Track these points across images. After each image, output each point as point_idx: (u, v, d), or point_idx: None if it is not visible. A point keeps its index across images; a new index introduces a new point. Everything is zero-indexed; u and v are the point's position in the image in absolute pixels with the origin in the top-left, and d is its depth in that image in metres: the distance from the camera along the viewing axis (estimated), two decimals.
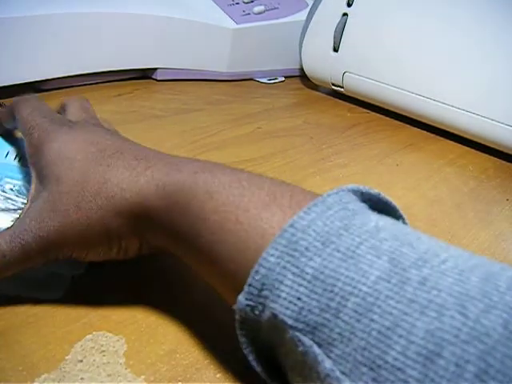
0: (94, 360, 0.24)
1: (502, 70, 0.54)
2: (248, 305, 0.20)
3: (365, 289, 0.18)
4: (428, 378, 0.16)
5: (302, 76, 0.76)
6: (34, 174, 0.29)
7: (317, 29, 0.69)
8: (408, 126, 0.64)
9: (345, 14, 0.65)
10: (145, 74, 0.68)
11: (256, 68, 0.75)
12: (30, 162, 0.29)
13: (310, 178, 0.46)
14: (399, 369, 0.16)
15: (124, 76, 0.66)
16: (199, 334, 0.27)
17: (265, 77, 0.76)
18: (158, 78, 0.68)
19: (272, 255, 0.20)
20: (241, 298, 0.20)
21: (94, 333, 0.26)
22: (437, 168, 0.53)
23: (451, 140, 0.60)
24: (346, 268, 0.19)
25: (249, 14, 0.72)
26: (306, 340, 0.18)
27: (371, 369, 0.17)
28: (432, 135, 0.61)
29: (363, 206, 0.22)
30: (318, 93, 0.74)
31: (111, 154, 0.27)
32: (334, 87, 0.70)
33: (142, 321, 0.27)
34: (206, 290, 0.29)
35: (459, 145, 0.59)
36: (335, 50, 0.66)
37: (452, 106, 0.57)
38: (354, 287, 0.18)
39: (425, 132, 0.62)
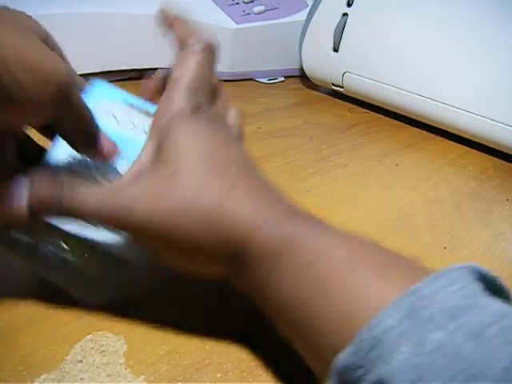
0: (94, 360, 0.24)
1: (502, 69, 0.54)
2: (351, 365, 0.18)
3: (491, 375, 0.16)
4: None
5: (302, 76, 0.76)
6: (151, 139, 0.27)
7: (317, 29, 0.68)
8: (408, 126, 0.64)
9: (345, 14, 0.65)
10: (145, 74, 0.68)
11: (256, 68, 0.75)
12: (153, 125, 0.27)
13: (310, 178, 0.46)
14: None
15: (124, 76, 0.66)
16: (199, 334, 0.27)
17: (265, 77, 0.76)
18: None
19: (390, 317, 0.18)
20: (343, 355, 0.19)
21: (93, 333, 0.26)
22: (437, 168, 0.53)
23: (451, 140, 0.60)
24: (473, 349, 0.17)
25: (249, 14, 0.72)
26: None
27: None
28: (432, 135, 0.61)
29: (481, 287, 0.20)
30: (317, 93, 0.74)
31: (238, 176, 0.25)
32: (333, 87, 0.70)
33: (142, 321, 0.27)
34: (207, 289, 0.29)
35: (459, 145, 0.59)
36: (335, 50, 0.66)
37: (452, 106, 0.57)
38: (480, 370, 0.16)
39: (425, 132, 0.62)
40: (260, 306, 0.25)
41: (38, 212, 0.24)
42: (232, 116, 0.30)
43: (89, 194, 0.24)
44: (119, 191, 0.24)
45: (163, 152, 0.25)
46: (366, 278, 0.21)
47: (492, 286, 0.20)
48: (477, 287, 0.19)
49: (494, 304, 0.19)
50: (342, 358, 0.19)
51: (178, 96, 0.27)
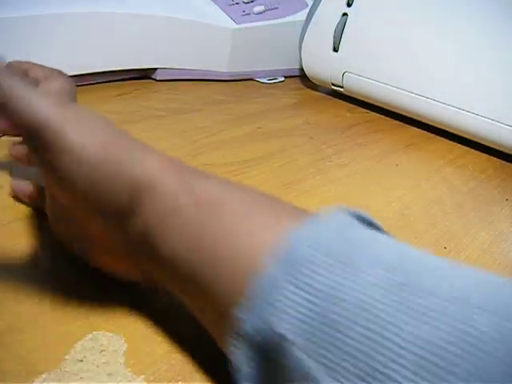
0: (94, 360, 0.24)
1: (502, 70, 0.54)
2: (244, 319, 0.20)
3: (358, 295, 0.18)
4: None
5: (302, 76, 0.76)
6: None
7: (317, 29, 0.69)
8: (408, 125, 0.64)
9: (345, 14, 0.65)
10: (145, 74, 0.68)
11: (256, 68, 0.75)
12: None
13: (309, 178, 0.46)
14: (388, 376, 0.16)
15: (124, 76, 0.66)
16: (199, 333, 0.27)
17: (265, 77, 0.76)
18: (158, 78, 0.68)
19: (271, 267, 0.19)
20: (238, 311, 0.20)
21: (93, 332, 0.26)
22: (437, 168, 0.53)
23: (451, 140, 0.60)
24: (343, 276, 0.18)
25: (249, 13, 0.72)
26: (300, 354, 0.18)
27: (361, 378, 0.16)
28: (432, 135, 0.61)
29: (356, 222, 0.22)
30: (317, 93, 0.74)
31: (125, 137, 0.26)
32: (333, 87, 0.70)
33: (142, 320, 0.27)
34: None
35: (459, 145, 0.59)
36: (335, 49, 0.67)
37: (452, 106, 0.57)
38: (347, 294, 0.18)
39: (425, 132, 0.62)
40: (146, 259, 0.25)
41: None
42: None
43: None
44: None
45: None
46: (256, 219, 0.22)
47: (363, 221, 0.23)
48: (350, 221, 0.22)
49: (366, 232, 0.21)
50: (238, 314, 0.20)
51: None
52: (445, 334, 0.16)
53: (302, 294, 0.18)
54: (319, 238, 0.20)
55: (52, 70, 0.36)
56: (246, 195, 0.24)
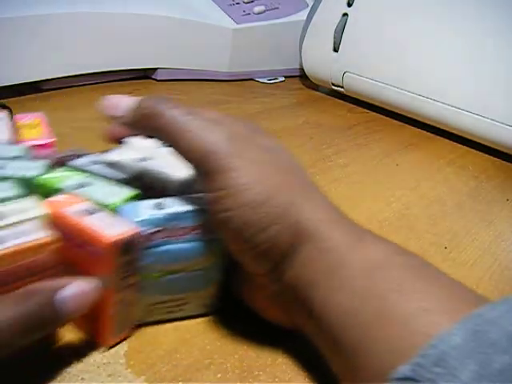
0: (95, 360, 0.24)
1: (501, 69, 0.54)
2: (411, 378, 0.18)
3: None
4: None
5: (302, 76, 0.76)
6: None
7: (317, 29, 0.69)
8: (408, 125, 0.64)
9: (345, 14, 0.65)
10: (145, 74, 0.68)
11: (256, 68, 0.75)
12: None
13: None
14: None
15: (124, 76, 0.66)
16: (199, 334, 0.27)
17: (265, 77, 0.76)
18: (158, 78, 0.68)
19: (456, 335, 0.18)
20: (404, 368, 0.18)
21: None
22: (437, 168, 0.53)
23: (451, 140, 0.60)
24: None
25: (249, 13, 0.72)
26: None
27: None
28: (432, 135, 0.61)
29: None
30: (318, 93, 0.74)
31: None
32: (334, 87, 0.70)
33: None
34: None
35: (459, 145, 0.59)
36: (335, 50, 0.67)
37: (452, 106, 0.57)
38: None
39: (425, 132, 0.62)
40: (295, 310, 0.25)
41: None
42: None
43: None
44: None
45: None
46: (426, 296, 0.21)
47: None
48: None
49: None
50: (402, 370, 0.18)
51: None
52: None
53: (489, 373, 0.17)
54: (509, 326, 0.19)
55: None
56: (417, 267, 0.23)
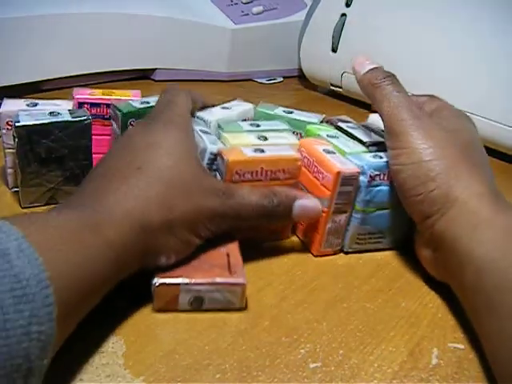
0: (93, 361, 0.25)
1: (502, 69, 0.54)
2: None
3: None
4: None
5: (301, 76, 0.76)
6: None
7: (315, 29, 0.69)
8: None
9: (343, 15, 0.65)
10: (144, 75, 0.68)
11: (255, 68, 0.75)
12: None
13: None
14: None
15: (123, 76, 0.66)
16: (198, 334, 0.27)
17: (264, 77, 0.76)
18: (157, 79, 0.68)
19: None
20: None
21: (93, 333, 0.26)
22: None
23: None
24: None
25: (247, 14, 0.72)
26: None
27: None
28: None
29: None
30: (316, 93, 0.74)
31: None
32: (332, 87, 0.70)
33: (141, 322, 0.27)
34: None
35: None
36: (334, 50, 0.67)
37: None
38: None
39: None
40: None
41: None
42: None
43: None
44: None
45: None
46: None
47: None
48: None
49: None
50: None
51: None
52: None
53: None
54: None
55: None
56: None
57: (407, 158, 0.31)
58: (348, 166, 0.33)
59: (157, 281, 0.27)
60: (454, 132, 0.32)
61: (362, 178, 0.33)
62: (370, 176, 0.33)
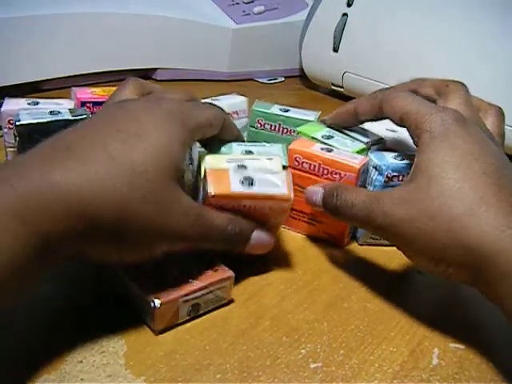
0: (94, 361, 0.25)
1: (502, 70, 0.54)
2: None
3: None
4: None
5: (302, 76, 0.76)
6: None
7: (317, 29, 0.69)
8: None
9: (345, 14, 0.65)
10: (145, 74, 0.68)
11: (256, 68, 0.75)
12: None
13: None
14: None
15: (124, 76, 0.65)
16: (199, 334, 0.27)
17: (265, 77, 0.76)
18: (158, 78, 0.68)
19: None
20: None
21: (93, 333, 0.26)
22: None
23: None
24: None
25: (249, 14, 0.72)
26: None
27: None
28: None
29: None
30: (317, 93, 0.74)
31: (489, 186, 0.26)
32: (333, 87, 0.70)
33: (142, 322, 0.27)
34: None
35: None
36: (335, 50, 0.66)
37: None
38: None
39: None
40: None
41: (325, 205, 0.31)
42: (491, 122, 0.36)
43: (357, 195, 0.29)
44: (380, 197, 0.28)
45: (418, 164, 0.28)
46: None
47: None
48: None
49: None
50: None
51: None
52: None
53: None
54: None
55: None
56: None
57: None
58: (356, 160, 0.34)
59: (156, 302, 0.26)
60: (480, 141, 0.29)
61: (379, 177, 0.34)
62: (387, 176, 0.34)
